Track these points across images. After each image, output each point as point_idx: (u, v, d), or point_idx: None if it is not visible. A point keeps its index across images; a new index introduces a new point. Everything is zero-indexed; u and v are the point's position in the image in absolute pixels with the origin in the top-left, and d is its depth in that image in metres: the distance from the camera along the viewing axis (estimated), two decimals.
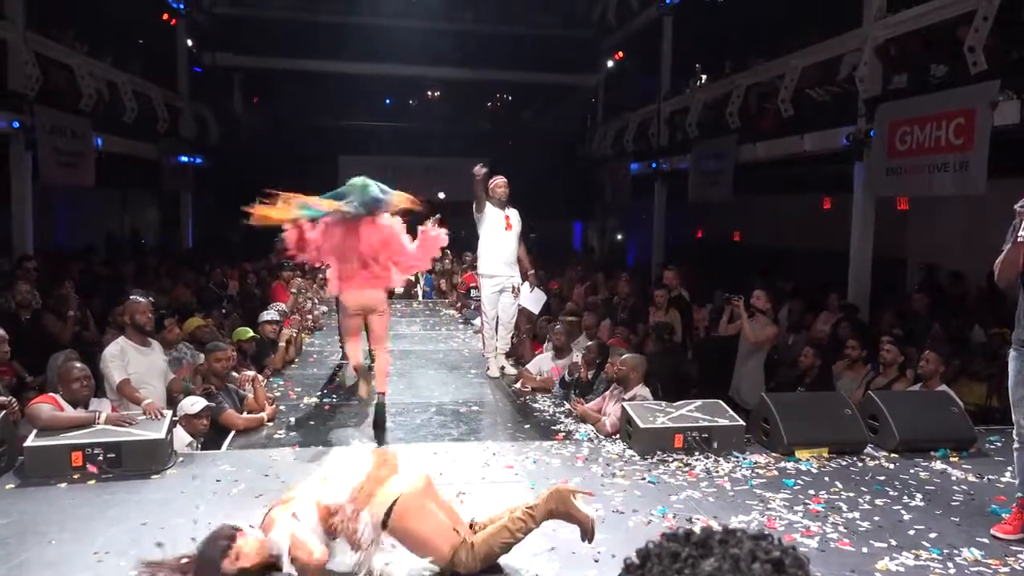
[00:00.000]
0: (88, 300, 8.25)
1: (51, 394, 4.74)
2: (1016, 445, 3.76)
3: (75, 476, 4.34)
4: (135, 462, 4.44)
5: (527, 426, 5.94)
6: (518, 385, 7.11)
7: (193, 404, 5.17)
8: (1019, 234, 3.50)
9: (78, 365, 4.80)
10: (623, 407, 5.29)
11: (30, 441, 4.41)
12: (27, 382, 5.98)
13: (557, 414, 6.26)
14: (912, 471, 4.75)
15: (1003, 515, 3.90)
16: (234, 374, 6.06)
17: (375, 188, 5.52)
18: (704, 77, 14.57)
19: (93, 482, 4.30)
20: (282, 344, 7.75)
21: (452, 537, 3.15)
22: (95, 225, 16.17)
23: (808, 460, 4.90)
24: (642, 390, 5.68)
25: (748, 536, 1.00)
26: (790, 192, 14.04)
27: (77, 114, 11.41)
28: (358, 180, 5.59)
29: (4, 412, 4.53)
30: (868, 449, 5.11)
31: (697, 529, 1.02)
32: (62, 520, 3.78)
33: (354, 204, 5.41)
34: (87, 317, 7.71)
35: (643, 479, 4.52)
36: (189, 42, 17.42)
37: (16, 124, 9.88)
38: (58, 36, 11.51)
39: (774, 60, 11.78)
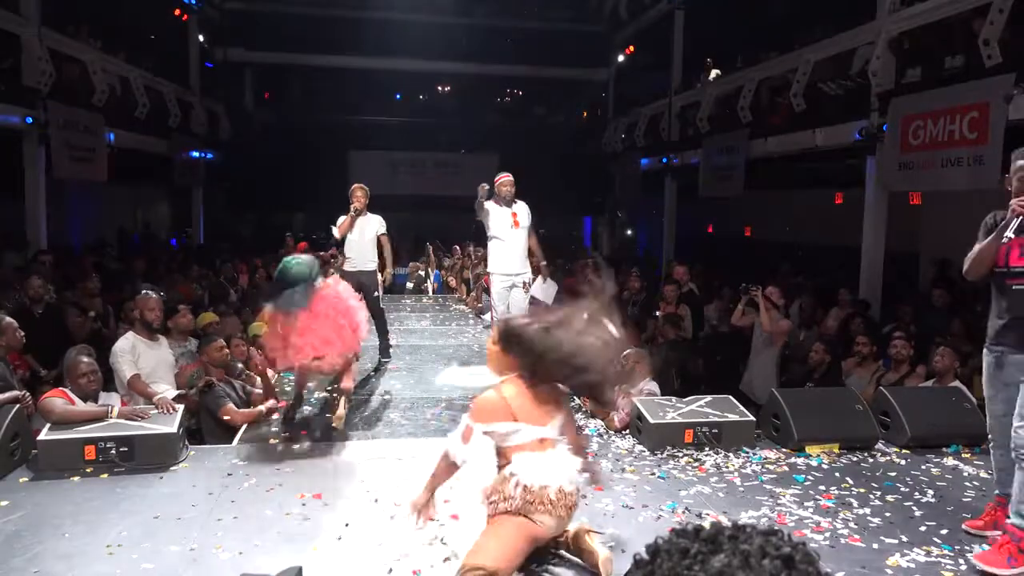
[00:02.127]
0: (107, 295, 8.30)
1: (62, 388, 4.78)
2: (990, 443, 3.73)
3: (88, 469, 4.37)
4: (147, 456, 4.48)
5: None
6: None
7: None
8: (1007, 233, 3.47)
9: (85, 360, 4.83)
10: (633, 402, 5.28)
11: (43, 435, 4.45)
12: (41, 376, 6.03)
13: None
14: (923, 467, 4.73)
15: None
16: (240, 366, 6.07)
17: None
18: (716, 71, 14.50)
19: (106, 475, 4.33)
20: None
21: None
22: (107, 220, 16.27)
23: (819, 456, 4.89)
24: (649, 384, 5.67)
25: (758, 532, 0.99)
26: (802, 187, 13.97)
27: (90, 109, 11.48)
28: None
29: (18, 406, 4.57)
30: (879, 445, 5.09)
31: (707, 525, 1.01)
32: (75, 513, 3.81)
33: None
34: (108, 313, 7.76)
35: (653, 474, 4.51)
36: (201, 38, 17.47)
37: (29, 119, 9.96)
38: (72, 32, 11.58)
39: (786, 54, 11.71)
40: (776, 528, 1.01)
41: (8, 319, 4.94)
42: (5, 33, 9.71)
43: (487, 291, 8.69)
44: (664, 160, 15.93)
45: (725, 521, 1.03)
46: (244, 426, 5.55)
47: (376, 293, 7.52)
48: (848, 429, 5.09)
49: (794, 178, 13.76)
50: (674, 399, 5.37)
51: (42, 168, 10.30)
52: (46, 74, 10.18)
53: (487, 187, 7.20)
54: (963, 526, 3.78)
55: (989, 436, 3.73)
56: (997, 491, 3.72)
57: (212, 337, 5.98)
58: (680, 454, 4.84)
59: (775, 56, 12.15)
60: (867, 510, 4.03)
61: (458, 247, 14.53)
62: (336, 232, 7.65)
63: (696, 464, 4.69)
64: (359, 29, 18.68)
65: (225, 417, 5.46)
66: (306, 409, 6.15)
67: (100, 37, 12.43)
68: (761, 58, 12.65)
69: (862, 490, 4.33)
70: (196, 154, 16.48)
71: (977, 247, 3.57)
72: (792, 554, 0.95)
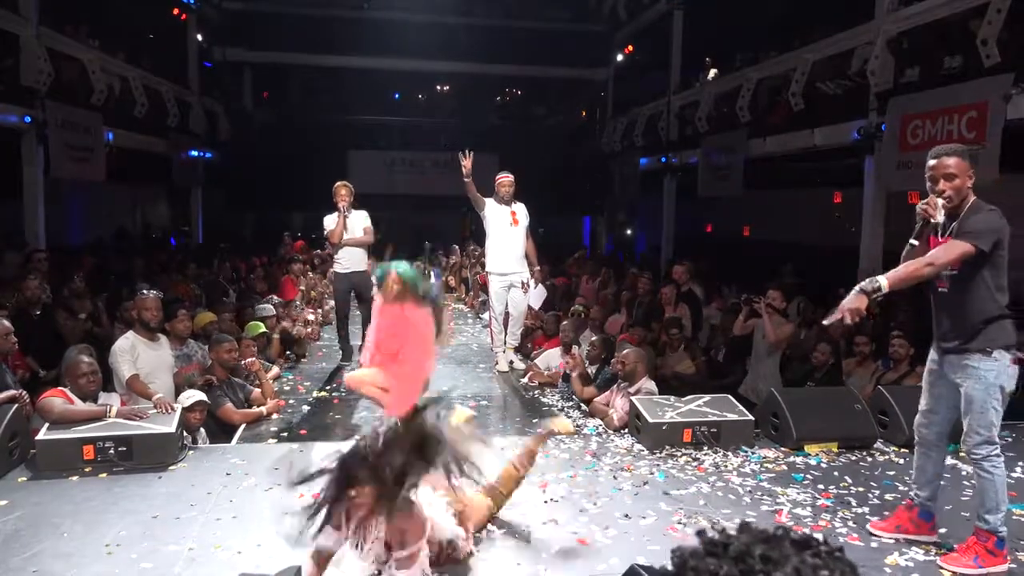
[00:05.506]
0: (98, 295, 8.29)
1: (61, 388, 4.78)
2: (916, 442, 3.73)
3: (87, 469, 4.37)
4: (146, 455, 4.47)
5: (535, 420, 5.93)
6: (526, 380, 7.12)
7: (188, 397, 5.19)
8: (911, 240, 3.46)
9: (86, 359, 4.82)
10: (631, 401, 5.29)
11: (42, 435, 4.44)
12: (40, 377, 6.02)
13: (566, 408, 6.27)
14: None
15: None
16: (242, 363, 6.07)
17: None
18: (714, 71, 14.51)
19: (105, 475, 4.33)
20: (276, 336, 7.71)
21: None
22: (107, 220, 16.26)
23: (817, 455, 4.89)
24: (648, 384, 5.67)
25: (792, 544, 0.91)
26: (800, 187, 13.97)
27: (88, 109, 11.47)
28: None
29: (16, 406, 4.57)
30: (878, 444, 5.10)
31: (734, 531, 0.95)
32: (74, 512, 3.81)
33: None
34: (99, 312, 7.74)
35: (651, 473, 4.52)
36: (199, 37, 17.46)
37: (28, 119, 9.96)
38: (71, 32, 11.57)
39: (785, 53, 11.72)
40: (811, 537, 0.93)
41: (3, 323, 4.93)
42: (3, 33, 9.69)
43: (485, 290, 8.70)
44: (663, 159, 15.94)
45: (754, 528, 0.95)
46: (243, 426, 5.55)
47: (372, 295, 7.50)
48: (847, 428, 5.09)
49: (793, 178, 13.77)
50: (672, 398, 5.37)
51: (40, 167, 10.29)
52: (44, 73, 10.16)
53: (468, 163, 7.11)
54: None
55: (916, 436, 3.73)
56: (915, 493, 3.71)
57: (224, 337, 5.98)
58: (679, 453, 4.85)
59: (774, 56, 12.15)
60: (866, 509, 4.04)
61: (457, 247, 14.54)
62: (331, 241, 7.61)
63: (695, 463, 4.69)
64: (358, 29, 18.68)
65: (234, 417, 5.48)
66: (305, 409, 6.16)
67: (99, 37, 12.42)
68: (760, 58, 12.65)
69: (861, 489, 4.33)
70: (195, 153, 16.48)
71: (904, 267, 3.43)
72: None
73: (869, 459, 4.87)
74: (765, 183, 13.37)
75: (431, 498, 3.09)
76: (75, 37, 11.64)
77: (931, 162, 3.43)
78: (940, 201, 3.37)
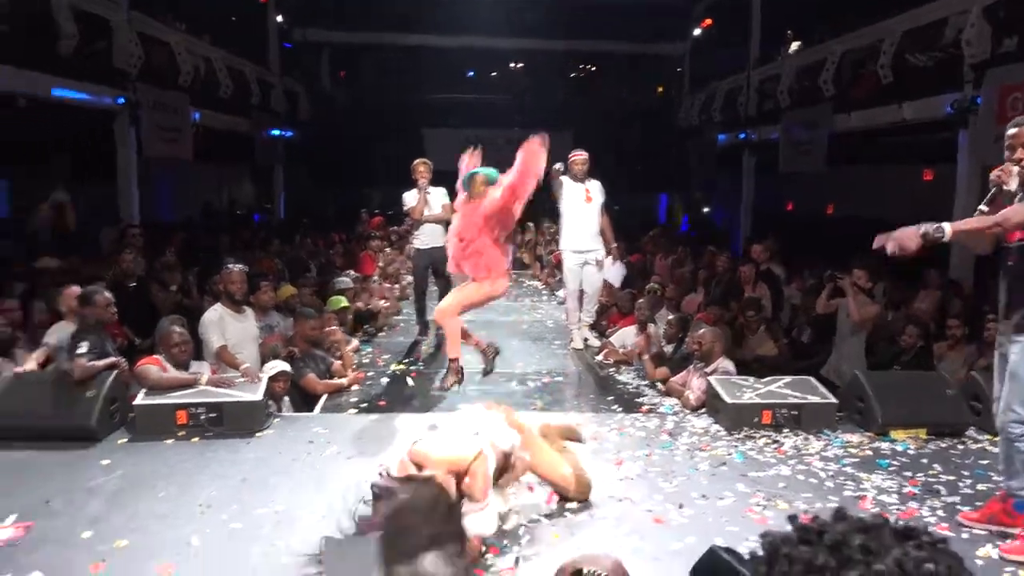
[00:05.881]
0: (188, 269, 8.63)
1: (156, 356, 5.01)
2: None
3: (180, 433, 4.59)
4: (235, 422, 4.66)
5: (610, 398, 5.93)
6: (600, 357, 7.10)
7: (273, 367, 5.36)
8: (980, 206, 3.29)
9: (178, 330, 5.05)
10: (709, 381, 5.22)
11: (140, 400, 4.69)
12: (136, 345, 6.32)
13: (641, 387, 6.22)
14: None
15: None
16: (328, 337, 6.25)
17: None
18: (797, 43, 14.03)
19: (196, 439, 4.54)
20: (352, 309, 7.87)
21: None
22: (194, 198, 16.88)
23: (904, 441, 4.73)
24: (725, 363, 5.58)
25: (892, 534, 0.86)
26: (887, 162, 13.43)
27: (176, 90, 11.89)
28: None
29: (116, 372, 4.81)
30: (970, 432, 4.89)
31: (830, 519, 0.89)
32: (169, 474, 4.01)
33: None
34: (189, 285, 8.07)
35: (729, 454, 4.45)
36: (280, 18, 17.84)
37: (121, 100, 10.38)
38: (159, 16, 11.98)
39: (872, 25, 11.23)
40: (913, 527, 0.88)
41: (104, 294, 5.18)
42: (97, 18, 10.10)
43: (559, 267, 8.69)
44: (742, 135, 15.55)
45: (851, 516, 0.90)
46: (324, 396, 5.72)
47: (448, 271, 7.59)
48: (936, 414, 4.90)
49: (879, 153, 13.25)
50: (751, 379, 5.27)
51: (133, 148, 10.75)
52: (135, 56, 10.58)
53: (561, 167, 7.17)
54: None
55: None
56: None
57: (308, 312, 6.16)
58: (758, 435, 4.76)
59: (861, 27, 11.67)
60: (956, 498, 3.88)
61: (532, 224, 14.52)
62: (412, 217, 7.72)
63: (775, 446, 4.60)
64: (432, 7, 18.71)
65: (317, 387, 5.65)
66: (383, 382, 6.29)
67: (185, 20, 12.83)
68: (843, 30, 12.18)
69: (951, 477, 4.17)
70: (276, 133, 16.90)
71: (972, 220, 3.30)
72: (935, 572, 0.83)
73: (960, 447, 4.68)
74: (849, 159, 12.92)
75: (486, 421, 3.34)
76: (163, 21, 12.05)
77: (1011, 131, 3.31)
78: (1016, 169, 3.24)
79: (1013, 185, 3.26)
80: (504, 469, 3.28)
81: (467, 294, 5.26)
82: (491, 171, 5.26)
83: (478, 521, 2.98)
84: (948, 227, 3.10)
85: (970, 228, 3.17)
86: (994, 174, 3.31)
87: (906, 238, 3.11)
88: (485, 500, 3.04)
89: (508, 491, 3.40)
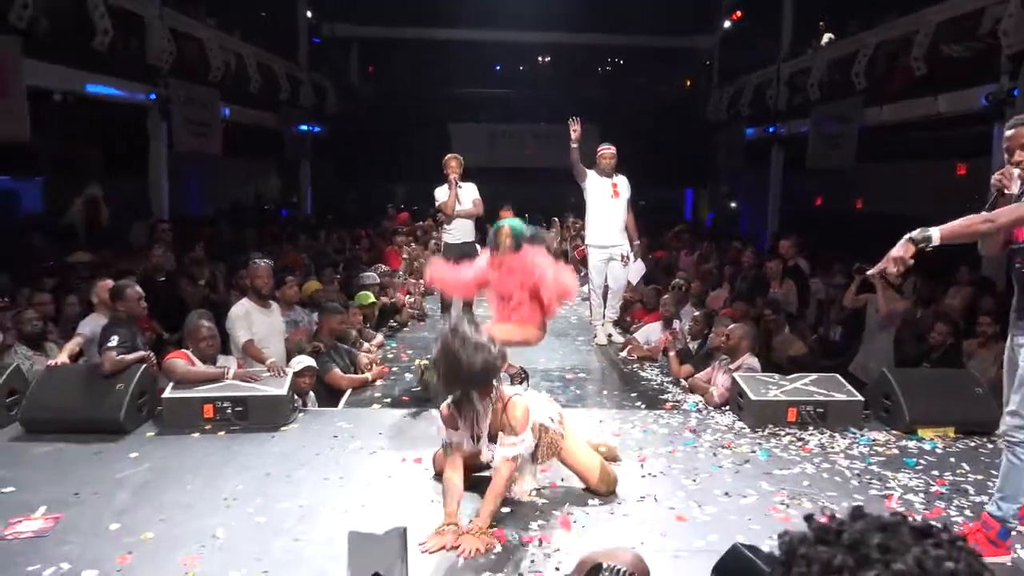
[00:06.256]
0: (216, 264, 8.74)
1: (183, 350, 5.08)
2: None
3: (207, 427, 4.65)
4: (260, 416, 4.71)
5: (634, 394, 5.91)
6: (624, 353, 7.08)
7: (299, 363, 5.42)
8: (983, 212, 3.15)
9: (206, 324, 5.12)
10: (733, 378, 5.17)
11: (167, 393, 4.76)
12: (165, 339, 6.41)
13: (665, 383, 6.20)
14: None
15: None
16: (353, 332, 6.29)
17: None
18: (829, 36, 13.81)
19: (223, 433, 4.60)
20: (377, 304, 7.93)
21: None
22: (222, 193, 17.07)
23: (932, 440, 4.66)
24: (750, 360, 5.52)
25: (911, 532, 0.85)
26: (919, 157, 13.18)
27: (207, 85, 12.03)
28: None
29: (144, 365, 4.89)
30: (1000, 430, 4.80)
31: (847, 518, 0.89)
32: (195, 467, 4.07)
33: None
34: (216, 279, 8.17)
35: (753, 452, 4.42)
36: (308, 14, 17.97)
37: (153, 96, 10.54)
38: (191, 12, 12.13)
39: (906, 15, 11.03)
40: (932, 525, 0.87)
41: (135, 288, 5.27)
42: (130, 14, 10.26)
43: (583, 263, 8.66)
44: (771, 129, 15.38)
45: (869, 515, 0.90)
46: (349, 391, 5.76)
47: None
48: (965, 412, 4.82)
49: (910, 148, 13.01)
50: (777, 376, 5.22)
51: (164, 142, 10.91)
52: (167, 52, 10.73)
53: (577, 130, 7.12)
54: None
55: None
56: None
57: (335, 308, 6.22)
58: (782, 433, 4.71)
59: (894, 18, 11.46)
60: (984, 498, 3.80)
61: (557, 219, 14.47)
62: (444, 212, 7.74)
63: (799, 443, 4.55)
64: (460, 2, 18.72)
65: (341, 382, 5.69)
66: (407, 377, 6.33)
67: (215, 15, 12.97)
68: (878, 21, 11.97)
69: (980, 477, 4.10)
70: (304, 128, 17.03)
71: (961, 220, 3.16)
72: (955, 571, 0.82)
73: (990, 446, 4.59)
74: (880, 154, 12.70)
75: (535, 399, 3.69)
76: (195, 16, 12.19)
77: (1008, 132, 3.19)
78: (1016, 172, 3.14)
79: (1015, 188, 3.16)
80: (538, 444, 3.56)
81: (505, 331, 5.07)
82: (517, 223, 5.04)
83: (511, 448, 3.41)
84: (936, 232, 3.02)
85: (960, 229, 3.07)
86: (994, 178, 3.22)
87: (898, 253, 3.04)
88: (522, 434, 3.43)
89: (537, 467, 3.73)
